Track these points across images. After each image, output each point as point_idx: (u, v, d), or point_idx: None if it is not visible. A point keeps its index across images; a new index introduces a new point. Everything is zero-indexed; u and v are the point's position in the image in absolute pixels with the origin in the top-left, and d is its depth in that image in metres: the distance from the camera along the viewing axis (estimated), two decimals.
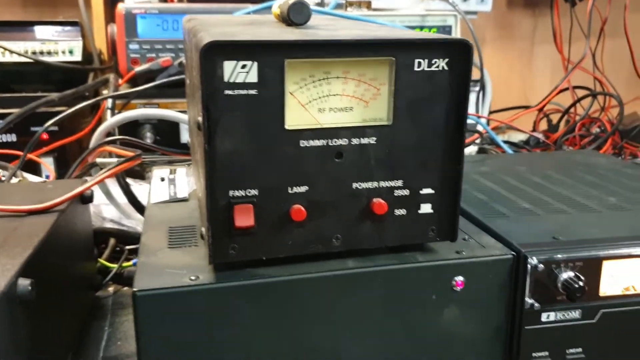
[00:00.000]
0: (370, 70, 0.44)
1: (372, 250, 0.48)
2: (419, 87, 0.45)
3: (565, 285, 0.48)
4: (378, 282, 0.47)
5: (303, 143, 0.44)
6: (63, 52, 1.13)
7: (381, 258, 0.47)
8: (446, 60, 0.44)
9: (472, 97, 1.14)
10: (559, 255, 0.49)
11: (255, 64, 0.41)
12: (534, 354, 0.50)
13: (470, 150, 1.00)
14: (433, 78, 0.45)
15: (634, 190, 0.66)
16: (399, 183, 0.46)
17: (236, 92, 0.41)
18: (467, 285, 0.48)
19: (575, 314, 0.50)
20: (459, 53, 0.44)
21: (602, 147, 1.13)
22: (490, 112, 1.33)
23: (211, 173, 0.42)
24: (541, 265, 0.48)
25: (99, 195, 0.78)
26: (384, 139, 0.45)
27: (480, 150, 1.04)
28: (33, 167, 0.93)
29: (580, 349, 0.51)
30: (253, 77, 0.41)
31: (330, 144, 0.44)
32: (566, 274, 0.49)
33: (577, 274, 0.48)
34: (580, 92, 1.33)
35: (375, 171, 0.46)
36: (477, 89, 1.13)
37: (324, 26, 0.50)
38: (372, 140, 0.45)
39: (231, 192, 0.43)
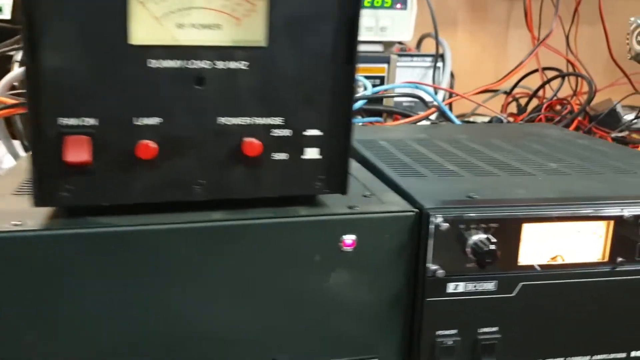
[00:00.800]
0: None
1: (247, 202, 0.40)
2: (301, 3, 0.37)
3: (474, 249, 0.41)
4: (248, 239, 0.39)
5: (152, 63, 0.36)
6: None
7: (256, 211, 0.40)
8: None
9: (431, 73, 1.07)
10: (470, 215, 0.41)
11: None
12: (438, 332, 0.43)
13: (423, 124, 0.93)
14: None
15: (582, 157, 0.59)
16: (278, 121, 0.39)
17: None
18: (359, 245, 0.41)
19: (490, 285, 0.43)
20: None
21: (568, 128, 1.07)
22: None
23: (35, 96, 0.35)
24: (445, 224, 0.41)
25: None
26: (257, 64, 0.38)
27: None
28: None
29: (496, 328, 0.43)
30: None
31: (189, 67, 0.37)
32: (477, 237, 0.41)
33: (489, 236, 0.41)
34: (551, 75, 1.27)
35: (248, 104, 0.38)
36: (434, 63, 1.06)
37: None
38: (242, 65, 0.37)
39: (61, 121, 0.35)
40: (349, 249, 0.41)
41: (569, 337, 0.45)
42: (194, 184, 0.38)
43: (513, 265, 0.43)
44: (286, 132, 0.39)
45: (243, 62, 0.37)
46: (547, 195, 0.45)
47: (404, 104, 1.13)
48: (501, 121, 1.11)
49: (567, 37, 1.31)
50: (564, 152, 0.61)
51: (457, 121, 0.86)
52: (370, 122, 0.90)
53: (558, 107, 1.26)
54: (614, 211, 0.43)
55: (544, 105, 1.13)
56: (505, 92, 1.30)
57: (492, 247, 0.40)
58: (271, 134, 0.39)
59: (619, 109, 1.24)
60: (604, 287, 0.44)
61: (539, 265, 0.43)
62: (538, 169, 0.54)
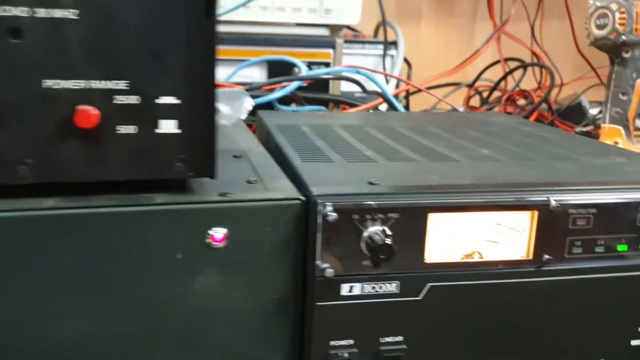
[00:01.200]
0: None
1: (95, 187, 0.33)
2: None
3: (368, 243, 0.35)
4: (89, 232, 0.32)
5: None
6: None
7: (99, 198, 0.33)
8: None
9: (386, 61, 1.01)
10: (366, 203, 0.35)
11: None
12: (332, 342, 0.36)
13: None
14: None
15: (520, 144, 0.52)
16: (121, 85, 0.32)
17: None
18: (232, 241, 0.34)
19: (392, 287, 0.36)
20: None
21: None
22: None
23: None
24: (334, 215, 0.34)
25: None
26: (90, 12, 0.30)
27: None
28: None
29: (400, 337, 0.37)
30: None
31: (0, 14, 0.30)
32: (373, 229, 0.35)
33: (385, 228, 0.35)
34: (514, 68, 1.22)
35: (81, 64, 0.31)
36: (384, 51, 1.00)
37: None
38: (71, 14, 0.30)
39: None
40: (219, 244, 0.34)
41: (487, 349, 0.38)
42: (18, 163, 0.31)
43: (418, 264, 0.36)
44: (133, 99, 0.32)
45: (72, 10, 0.30)
46: (464, 182, 0.39)
47: (356, 94, 1.07)
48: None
49: (532, 28, 1.26)
50: (502, 139, 0.55)
51: (401, 108, 0.79)
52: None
53: (522, 101, 1.21)
54: (539, 199, 0.37)
55: (504, 97, 1.07)
56: (467, 85, 1.24)
57: (388, 241, 0.34)
58: (113, 101, 0.31)
59: (584, 103, 1.20)
60: (528, 290, 0.38)
61: (451, 264, 0.37)
62: (466, 155, 0.47)
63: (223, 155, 0.43)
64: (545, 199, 0.37)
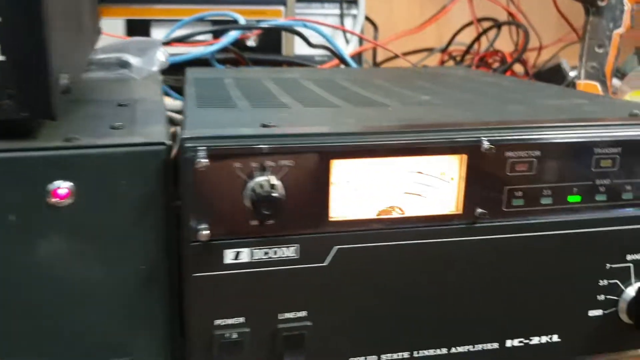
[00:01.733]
0: None
1: None
2: None
3: (253, 198, 0.28)
4: None
5: None
6: None
7: None
8: None
9: (347, 22, 0.94)
10: (250, 147, 0.28)
11: None
12: (217, 322, 0.30)
13: None
14: None
15: (471, 91, 0.45)
16: None
17: None
18: (79, 197, 0.27)
19: (290, 251, 0.30)
20: None
21: None
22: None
23: None
24: (205, 161, 0.27)
25: None
26: None
27: None
28: None
29: (303, 313, 0.30)
30: None
31: None
32: (260, 179, 0.28)
33: (271, 177, 0.28)
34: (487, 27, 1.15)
35: None
36: (341, 9, 0.92)
37: None
38: None
39: None
40: (62, 202, 0.27)
41: (408, 324, 0.32)
42: None
43: (322, 222, 0.29)
44: None
45: None
46: (382, 125, 0.32)
47: (316, 57, 1.00)
48: None
49: None
50: (453, 87, 0.48)
51: (354, 64, 0.72)
52: None
53: (497, 64, 1.14)
54: (469, 140, 0.30)
55: (476, 58, 1.00)
56: (441, 50, 1.18)
57: (275, 193, 0.27)
58: None
59: (564, 65, 1.13)
60: (459, 252, 0.31)
61: (362, 222, 0.30)
62: (400, 101, 0.40)
63: (107, 105, 0.37)
64: (476, 139, 0.30)
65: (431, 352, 0.32)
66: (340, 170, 0.29)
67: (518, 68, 1.04)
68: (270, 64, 0.80)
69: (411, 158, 0.30)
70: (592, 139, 0.32)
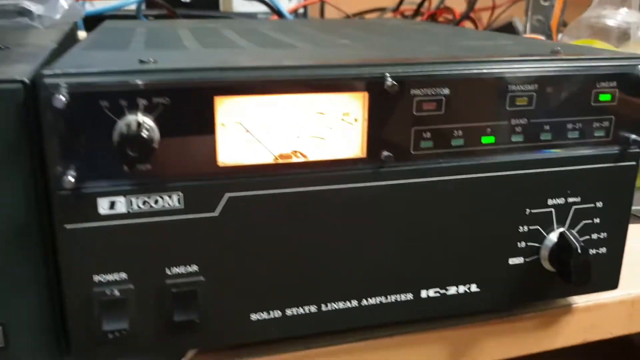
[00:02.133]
0: None
1: None
2: None
3: (120, 140, 0.25)
4: None
5: None
6: None
7: None
8: None
9: None
10: (117, 83, 0.24)
11: None
12: (96, 278, 0.26)
13: None
14: None
15: (397, 36, 0.42)
16: None
17: None
18: None
19: (173, 200, 0.27)
20: None
21: None
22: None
23: None
24: (64, 98, 0.24)
25: None
26: None
27: None
28: None
29: (195, 267, 0.28)
30: None
31: None
32: (129, 117, 0.25)
33: (141, 116, 0.25)
34: None
35: None
36: None
37: None
38: None
39: None
40: None
41: (312, 278, 0.29)
42: None
43: (209, 168, 0.27)
44: None
45: None
46: (280, 63, 0.29)
47: (259, 15, 0.96)
48: None
49: None
50: (378, 34, 0.45)
51: (289, 15, 0.69)
52: None
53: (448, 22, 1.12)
54: (371, 76, 0.28)
55: (425, 16, 0.98)
56: (392, 10, 1.15)
57: (143, 133, 0.24)
58: None
59: (517, 24, 1.12)
60: (364, 199, 0.29)
61: (257, 167, 0.28)
62: (313, 43, 0.37)
63: None
64: (379, 75, 0.28)
65: (340, 304, 0.30)
66: (228, 110, 0.26)
67: (470, 27, 1.02)
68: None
69: (308, 96, 0.27)
70: (506, 75, 0.30)
